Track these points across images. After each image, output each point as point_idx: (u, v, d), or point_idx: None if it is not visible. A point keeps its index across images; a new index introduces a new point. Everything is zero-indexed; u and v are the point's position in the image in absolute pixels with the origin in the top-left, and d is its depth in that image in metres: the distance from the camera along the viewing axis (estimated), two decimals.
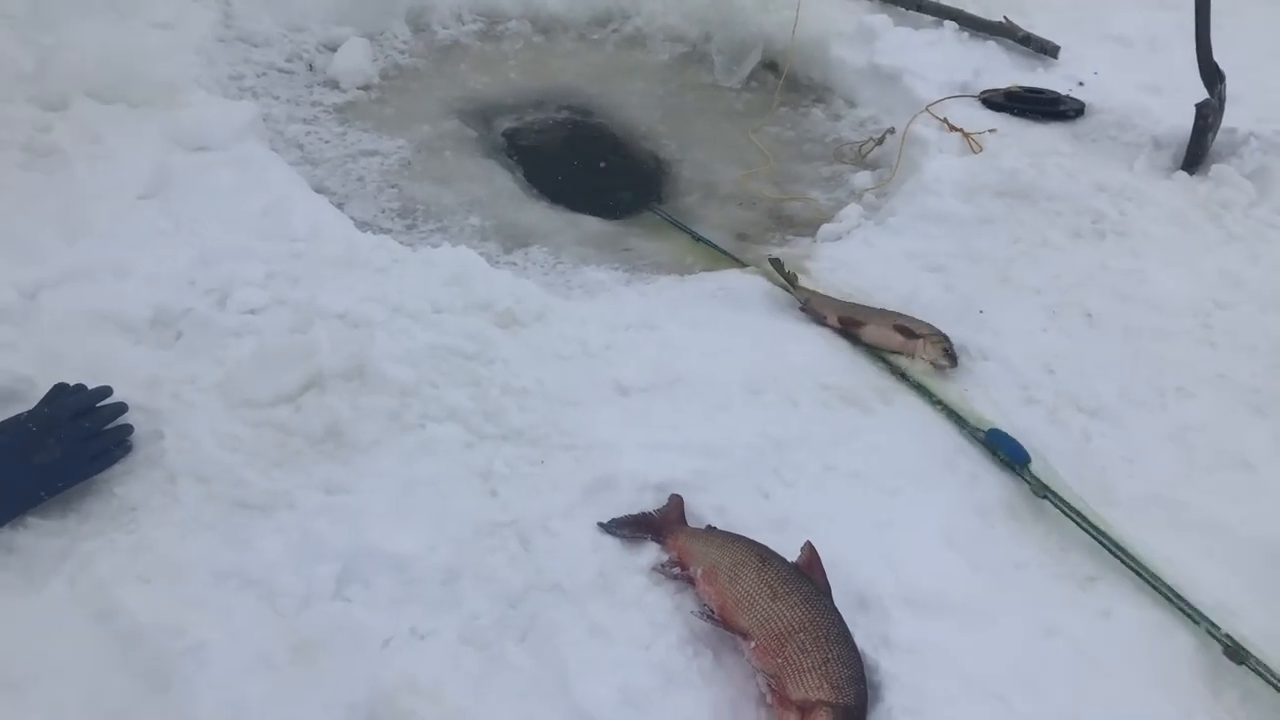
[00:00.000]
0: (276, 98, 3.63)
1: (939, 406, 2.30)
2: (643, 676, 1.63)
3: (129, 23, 3.38)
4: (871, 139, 3.65)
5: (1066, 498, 2.05)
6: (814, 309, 2.59)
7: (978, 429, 2.21)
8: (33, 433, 1.80)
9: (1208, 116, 3.20)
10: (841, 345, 2.50)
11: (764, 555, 1.76)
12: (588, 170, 3.68)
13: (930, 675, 1.67)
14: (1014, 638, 1.78)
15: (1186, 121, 3.24)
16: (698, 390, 2.27)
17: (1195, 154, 3.25)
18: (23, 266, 2.27)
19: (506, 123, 3.84)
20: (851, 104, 4.01)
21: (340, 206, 3.02)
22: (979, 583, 1.87)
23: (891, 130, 3.60)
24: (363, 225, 2.90)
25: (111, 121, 2.89)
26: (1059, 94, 3.72)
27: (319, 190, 3.04)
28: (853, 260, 2.89)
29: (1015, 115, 3.64)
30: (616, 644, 1.68)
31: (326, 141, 3.47)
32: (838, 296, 2.66)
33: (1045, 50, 4.05)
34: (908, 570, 1.85)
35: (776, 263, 2.73)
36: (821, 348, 2.48)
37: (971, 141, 3.42)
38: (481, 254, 2.59)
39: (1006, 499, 2.08)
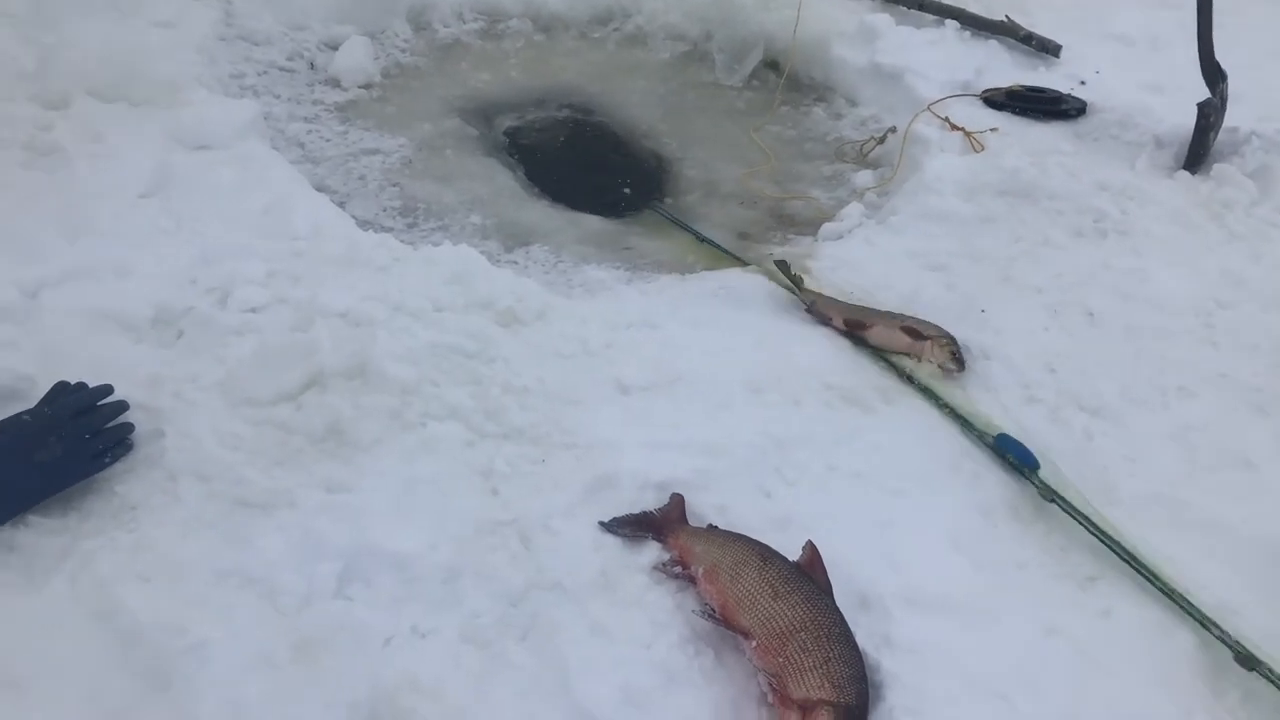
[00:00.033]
0: (278, 96, 3.63)
1: (946, 410, 2.28)
2: (644, 675, 1.63)
3: (130, 21, 3.38)
4: (873, 138, 3.65)
5: (1076, 503, 2.04)
6: (819, 311, 2.58)
7: (986, 434, 2.20)
8: (34, 431, 1.80)
9: (1209, 116, 3.19)
10: (844, 344, 2.50)
11: (765, 554, 1.76)
12: (589, 169, 3.68)
13: (931, 675, 1.67)
14: (1015, 637, 1.78)
15: (1188, 120, 3.23)
16: (699, 389, 2.26)
17: (1197, 153, 3.25)
18: (24, 265, 2.27)
19: (508, 121, 3.84)
20: (853, 103, 4.01)
21: (341, 205, 3.02)
22: (981, 582, 1.87)
23: (893, 129, 3.60)
24: (364, 224, 2.90)
25: (113, 120, 2.89)
26: (1061, 93, 3.71)
27: (320, 189, 3.03)
28: (854, 259, 2.89)
29: (1017, 114, 3.63)
30: (618, 643, 1.68)
31: (328, 140, 3.47)
32: (842, 298, 2.66)
33: (1047, 49, 4.05)
34: (909, 570, 1.85)
35: (782, 265, 2.72)
36: (824, 347, 2.47)
37: (973, 140, 3.42)
38: (482, 252, 2.59)
39: (1008, 499, 2.08)
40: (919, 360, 2.44)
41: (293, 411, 2.03)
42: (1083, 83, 3.82)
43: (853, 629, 1.67)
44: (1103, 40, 4.19)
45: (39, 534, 1.74)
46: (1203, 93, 3.19)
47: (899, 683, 1.66)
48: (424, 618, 1.69)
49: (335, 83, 3.80)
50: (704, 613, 1.71)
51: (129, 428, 1.93)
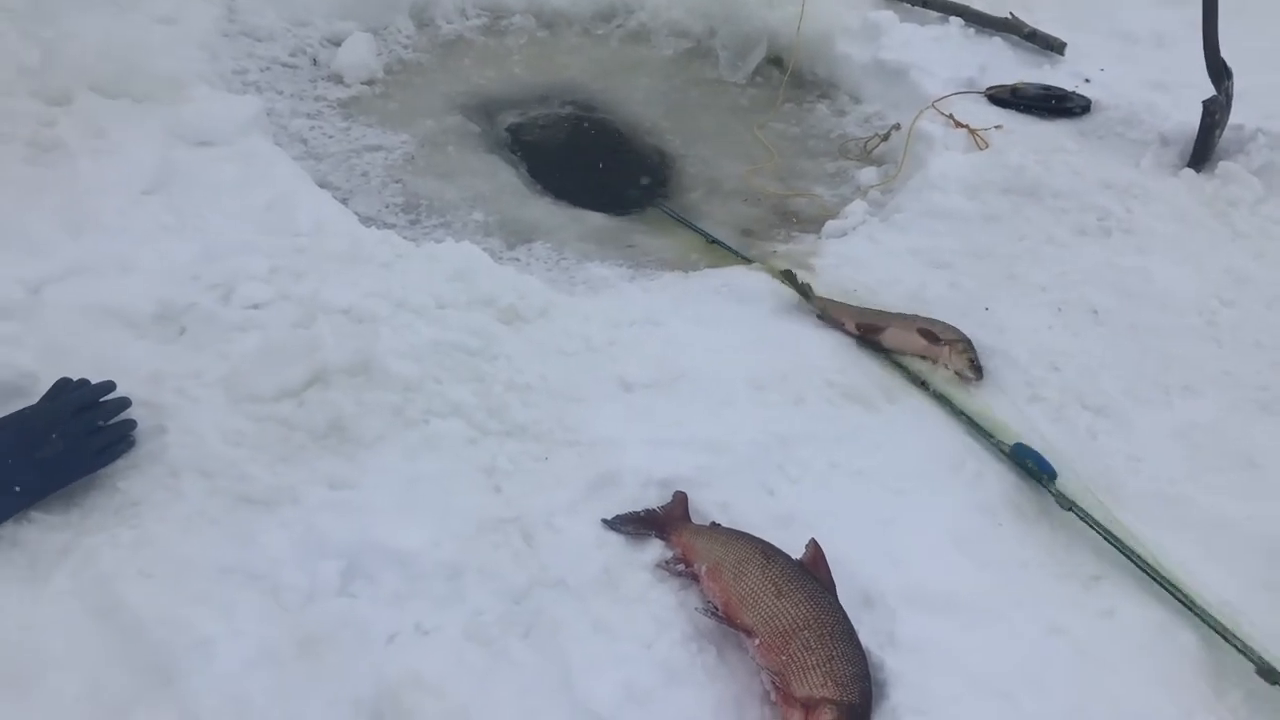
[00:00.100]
0: (280, 92, 3.63)
1: (963, 418, 2.25)
2: (646, 673, 1.63)
3: (130, 16, 3.38)
4: (877, 135, 3.64)
5: (1095, 512, 2.02)
6: (831, 316, 2.55)
7: (1003, 443, 2.17)
8: (36, 428, 1.80)
9: (1215, 113, 3.19)
10: (847, 342, 2.49)
11: (768, 552, 1.76)
12: (591, 166, 3.67)
13: (935, 673, 1.67)
14: (1018, 636, 1.77)
15: (1193, 118, 3.23)
16: (702, 386, 2.26)
17: (1202, 151, 3.24)
18: (27, 261, 2.27)
19: (510, 118, 3.83)
20: (857, 100, 4.00)
21: (344, 202, 3.02)
22: (984, 581, 1.87)
23: (897, 126, 3.59)
24: (366, 220, 2.90)
25: (115, 116, 2.88)
26: (1065, 90, 3.70)
27: (323, 185, 3.03)
28: (858, 257, 2.88)
29: (1021, 112, 3.63)
30: (620, 640, 1.68)
31: (330, 136, 3.47)
32: (845, 297, 2.65)
33: (1051, 46, 4.04)
34: (912, 568, 1.85)
35: (789, 275, 2.68)
36: (827, 345, 2.47)
37: (977, 138, 3.42)
38: (485, 249, 2.59)
39: (1011, 498, 2.08)
40: (935, 363, 2.41)
41: (295, 408, 2.03)
42: (1087, 80, 3.81)
43: (856, 627, 1.67)
44: (1108, 38, 4.18)
45: (41, 530, 1.74)
46: (1208, 90, 3.19)
47: (902, 681, 1.65)
48: (427, 615, 1.69)
49: (338, 79, 3.79)
50: (707, 610, 1.71)
51: (131, 424, 1.93)
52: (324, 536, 1.78)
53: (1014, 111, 3.62)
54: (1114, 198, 3.09)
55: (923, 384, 2.36)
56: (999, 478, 2.12)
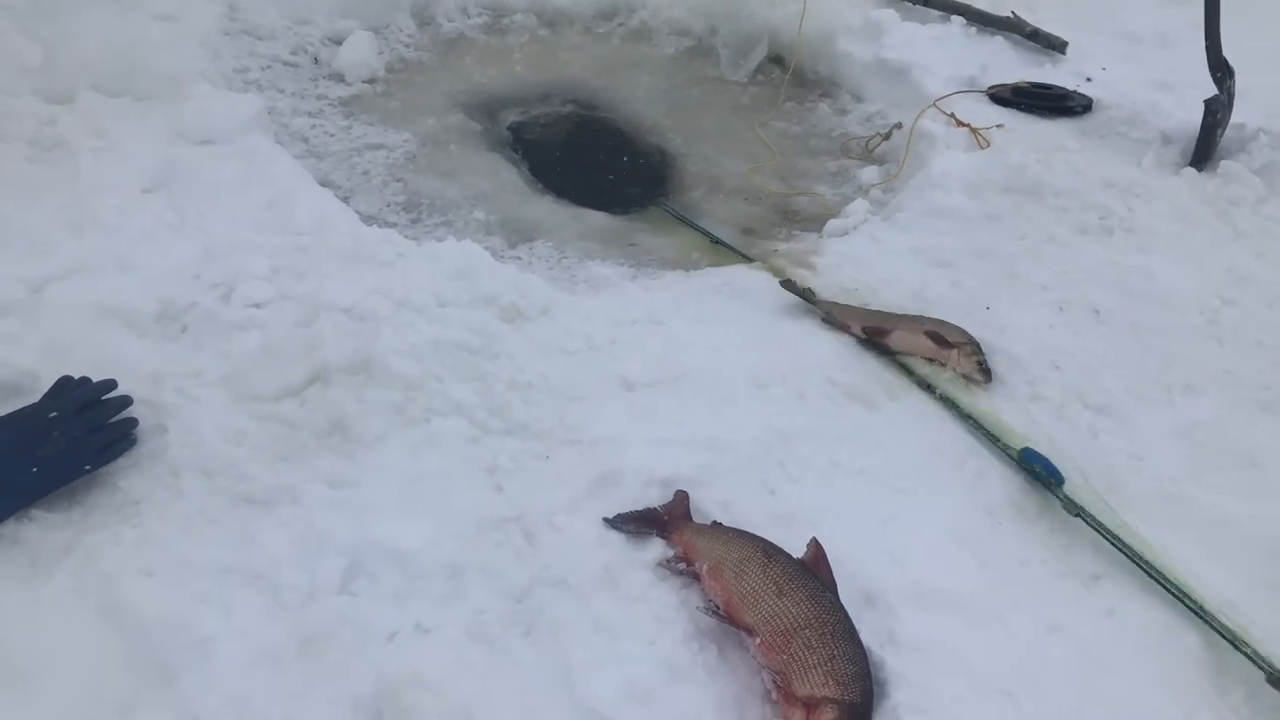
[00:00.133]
0: (281, 91, 3.63)
1: (970, 422, 2.23)
2: (647, 672, 1.63)
3: (131, 15, 3.37)
4: (879, 134, 3.64)
5: (1102, 517, 2.00)
6: (837, 320, 2.52)
7: (1010, 447, 2.15)
8: (37, 426, 1.80)
9: (1217, 113, 3.18)
10: (848, 341, 2.49)
11: (769, 551, 1.76)
12: (593, 164, 3.67)
13: (936, 672, 1.66)
14: (1020, 635, 1.77)
15: (1195, 117, 3.22)
16: (703, 385, 2.26)
17: (1204, 150, 3.23)
18: (28, 260, 2.28)
19: (512, 116, 3.83)
20: (858, 99, 3.99)
21: (345, 200, 3.01)
22: (985, 580, 1.86)
23: (899, 125, 3.58)
24: (368, 219, 2.90)
25: (116, 115, 2.89)
26: (1067, 89, 3.70)
27: (324, 184, 3.03)
28: (859, 256, 2.88)
29: (1023, 111, 3.62)
30: (621, 639, 1.68)
31: (331, 135, 3.47)
32: (846, 295, 2.64)
33: (1053, 46, 4.03)
34: (914, 567, 1.84)
35: (789, 284, 2.66)
36: (828, 343, 2.46)
37: (979, 137, 3.41)
38: (486, 248, 2.59)
39: (1012, 496, 2.07)
40: (943, 366, 2.39)
41: (296, 407, 2.03)
42: (1089, 79, 3.80)
43: (857, 626, 1.67)
44: (1109, 37, 4.17)
45: (43, 529, 1.75)
46: (1210, 89, 3.18)
47: (904, 680, 1.65)
48: (428, 614, 1.69)
49: (339, 77, 3.79)
50: (708, 609, 1.71)
51: (132, 423, 1.93)
52: (324, 535, 1.78)
53: (1015, 110, 3.62)
54: (1115, 197, 3.08)
55: (929, 387, 2.34)
56: (1000, 477, 2.11)
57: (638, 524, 1.89)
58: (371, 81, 3.83)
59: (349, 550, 1.76)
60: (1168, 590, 1.86)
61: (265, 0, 3.89)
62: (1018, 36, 4.10)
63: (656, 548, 1.85)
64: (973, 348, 2.40)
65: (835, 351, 2.44)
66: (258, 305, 2.27)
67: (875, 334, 2.47)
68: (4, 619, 1.60)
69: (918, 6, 4.29)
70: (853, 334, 2.50)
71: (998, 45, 4.06)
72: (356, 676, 1.58)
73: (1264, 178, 3.11)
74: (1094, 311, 2.63)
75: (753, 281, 2.74)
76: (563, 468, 2.00)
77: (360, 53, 3.84)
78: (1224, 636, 1.79)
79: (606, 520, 1.89)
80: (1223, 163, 3.19)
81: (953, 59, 3.89)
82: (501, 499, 1.92)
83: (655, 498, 1.96)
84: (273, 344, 2.13)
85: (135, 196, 2.61)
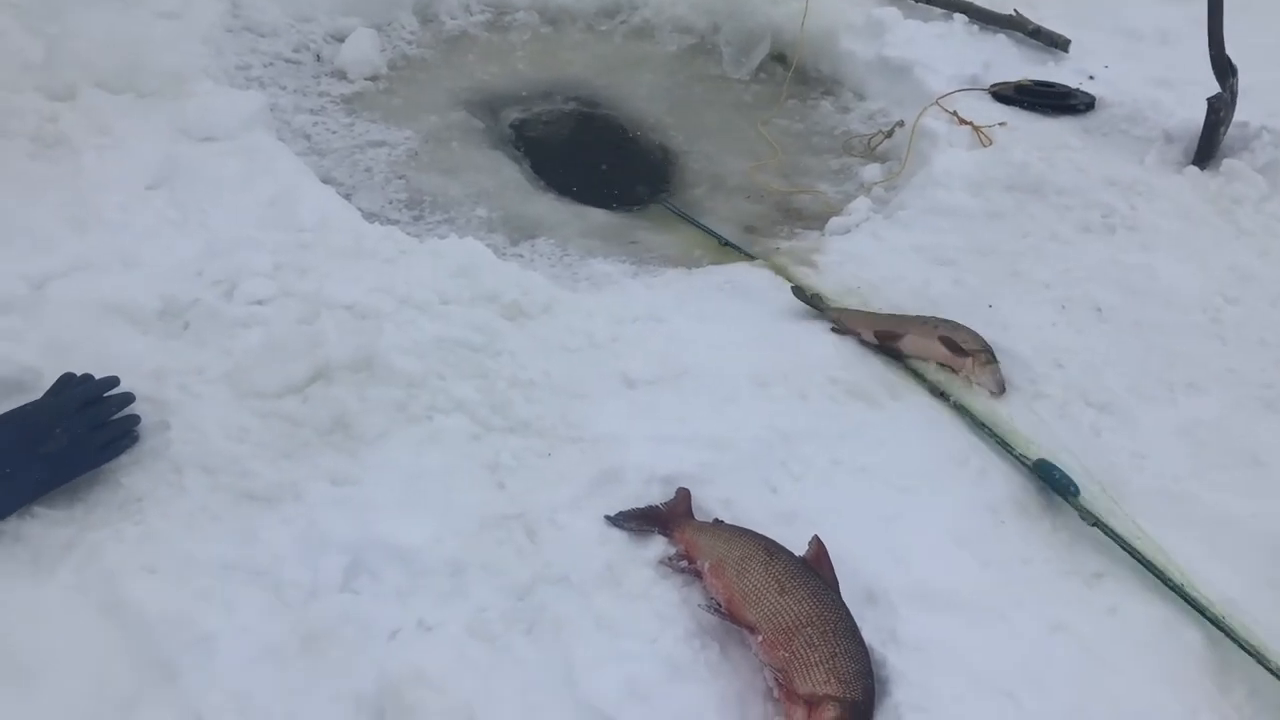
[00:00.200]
0: (284, 88, 3.63)
1: (985, 430, 2.20)
2: (649, 669, 1.63)
3: (134, 12, 3.38)
4: (881, 132, 3.64)
5: (1118, 527, 1.98)
6: (846, 326, 2.49)
7: (1025, 457, 2.13)
8: (40, 423, 1.80)
9: (1219, 111, 3.18)
10: (850, 340, 2.48)
11: (771, 549, 1.76)
12: (595, 162, 3.67)
13: (937, 671, 1.66)
14: (1021, 634, 1.77)
15: (1198, 116, 3.22)
16: (705, 383, 2.26)
17: (1206, 148, 3.23)
18: (30, 257, 2.28)
19: (514, 114, 3.83)
20: (861, 96, 4.00)
21: (347, 197, 3.01)
22: (987, 579, 1.86)
23: (901, 123, 3.58)
24: (370, 216, 2.90)
25: (119, 111, 2.89)
26: (1069, 87, 3.70)
27: (326, 181, 3.03)
28: (861, 254, 2.88)
29: (1025, 109, 3.62)
30: (623, 637, 1.68)
31: (334, 132, 3.47)
32: (846, 295, 2.63)
33: (1055, 44, 4.03)
34: (915, 565, 1.84)
35: (798, 290, 2.63)
36: (830, 341, 2.46)
37: (981, 135, 3.41)
38: (488, 245, 2.59)
39: (1014, 495, 2.07)
40: (956, 373, 2.36)
41: (299, 404, 2.03)
42: (1091, 77, 3.80)
43: (859, 624, 1.67)
44: (1112, 35, 4.17)
45: (45, 525, 1.75)
46: (1213, 87, 3.18)
47: (905, 679, 1.65)
48: (430, 611, 1.69)
49: (341, 75, 3.80)
50: (710, 607, 1.71)
51: (135, 420, 1.93)
52: (327, 532, 1.78)
53: (1018, 109, 3.62)
54: (1118, 195, 3.08)
55: (942, 394, 2.31)
56: (1003, 475, 2.11)
57: (639, 522, 1.88)
58: (374, 79, 3.83)
59: (351, 547, 1.76)
60: (1186, 600, 1.84)
61: None
62: (1020, 34, 4.11)
63: (658, 545, 1.84)
64: (988, 355, 2.36)
65: (837, 350, 2.44)
66: (260, 302, 2.27)
67: (887, 338, 2.43)
68: (6, 616, 1.60)
69: (920, 4, 4.30)
70: (864, 341, 2.46)
71: (1000, 43, 4.06)
72: (358, 674, 1.58)
73: (1267, 176, 3.11)
74: (1096, 310, 2.62)
75: (755, 279, 2.74)
76: (564, 465, 2.00)
77: (362, 50, 3.84)
78: (1247, 651, 1.76)
79: (608, 518, 1.89)
80: (1225, 161, 3.19)
81: (955, 57, 3.89)
82: (503, 496, 1.92)
83: (657, 495, 1.96)
84: (275, 341, 2.13)
85: (137, 193, 2.61)
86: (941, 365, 2.39)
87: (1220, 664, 1.77)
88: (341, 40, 3.91)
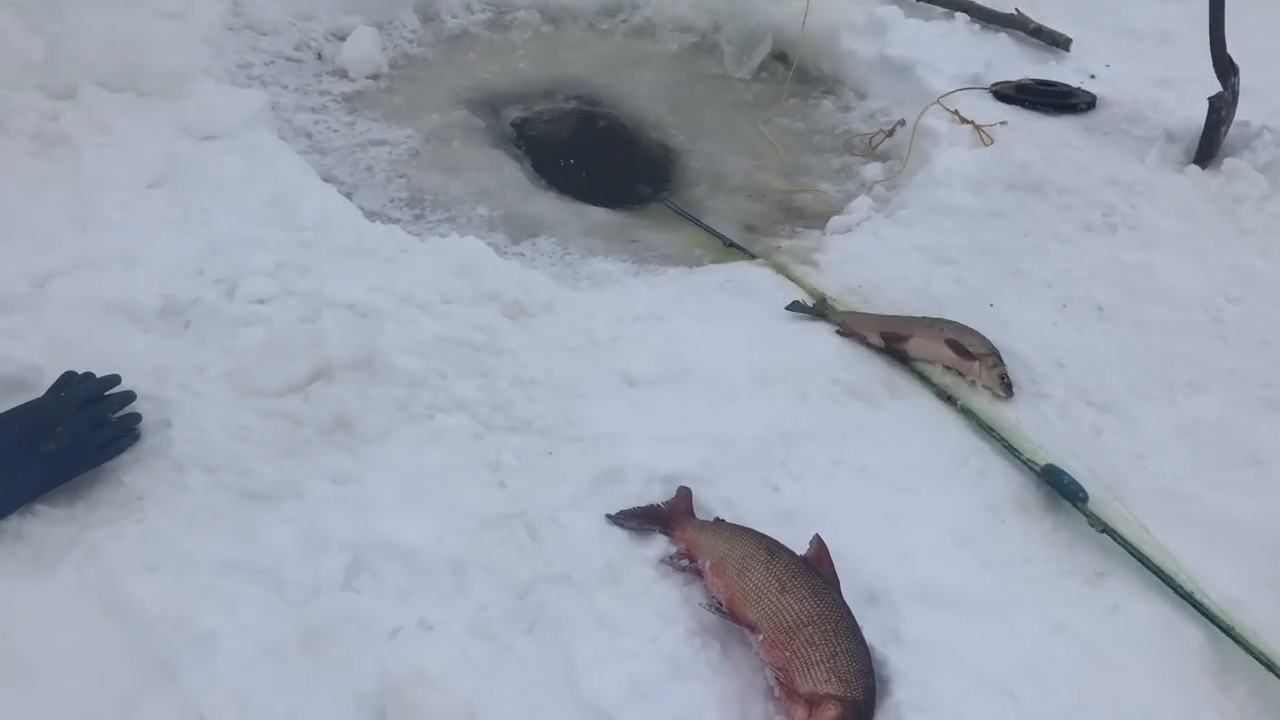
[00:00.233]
0: (285, 86, 3.63)
1: (992, 434, 2.19)
2: (650, 668, 1.63)
3: (135, 10, 3.38)
4: (882, 131, 3.64)
5: (1126, 532, 1.98)
6: (853, 330, 2.47)
7: (1034, 462, 2.11)
8: (41, 421, 1.80)
9: (1220, 110, 3.17)
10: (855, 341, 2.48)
11: (772, 548, 1.76)
12: (596, 161, 3.67)
13: (938, 670, 1.66)
14: (1023, 633, 1.77)
15: (1199, 115, 3.21)
16: (706, 382, 2.26)
17: (1207, 148, 3.23)
18: (31, 255, 2.27)
19: (515, 113, 3.83)
20: (862, 96, 3.99)
21: (349, 196, 3.01)
22: (988, 578, 1.86)
23: (902, 122, 3.58)
24: (371, 215, 2.90)
25: (120, 110, 2.89)
26: (1070, 87, 3.69)
27: (327, 179, 3.02)
28: (862, 253, 2.88)
29: (1026, 108, 3.62)
30: (624, 635, 1.68)
31: (335, 131, 3.47)
32: (848, 294, 2.63)
33: (1056, 43, 4.02)
34: (917, 565, 1.84)
35: (798, 305, 2.60)
36: (831, 341, 2.46)
37: (982, 134, 3.41)
38: (489, 244, 2.59)
39: (1015, 495, 2.07)
40: (963, 376, 2.34)
41: (300, 403, 2.03)
42: (1093, 76, 3.80)
43: (860, 624, 1.67)
44: (1113, 34, 4.17)
45: (46, 523, 1.75)
46: (1214, 87, 3.18)
47: (906, 678, 1.65)
48: (431, 610, 1.69)
49: (343, 73, 3.79)
50: (711, 606, 1.71)
51: (136, 418, 1.93)
52: (328, 531, 1.78)
53: (1019, 108, 3.61)
54: (1119, 194, 3.08)
55: (949, 398, 2.30)
56: (1003, 474, 2.11)
57: (640, 520, 1.89)
58: (375, 77, 3.83)
59: (352, 546, 1.76)
60: (1194, 605, 1.84)
61: None
62: (1021, 33, 4.10)
63: (659, 544, 1.85)
64: (995, 359, 2.34)
65: (838, 349, 2.44)
66: (261, 301, 2.27)
67: (894, 340, 2.41)
68: (7, 614, 1.60)
69: (921, 3, 4.29)
70: (871, 344, 2.44)
71: (1001, 42, 4.06)
72: (360, 673, 1.58)
73: (1268, 175, 3.11)
74: (1097, 309, 2.62)
75: (756, 278, 2.74)
76: (566, 464, 2.00)
77: (364, 48, 3.84)
78: (1260, 660, 1.75)
79: (609, 517, 1.89)
80: (1226, 160, 3.19)
81: (956, 56, 3.89)
82: (504, 495, 1.92)
83: (658, 494, 1.96)
84: (276, 340, 2.13)
85: (139, 192, 2.61)
86: (948, 368, 2.38)
87: (1221, 663, 1.77)
88: (343, 39, 3.90)
